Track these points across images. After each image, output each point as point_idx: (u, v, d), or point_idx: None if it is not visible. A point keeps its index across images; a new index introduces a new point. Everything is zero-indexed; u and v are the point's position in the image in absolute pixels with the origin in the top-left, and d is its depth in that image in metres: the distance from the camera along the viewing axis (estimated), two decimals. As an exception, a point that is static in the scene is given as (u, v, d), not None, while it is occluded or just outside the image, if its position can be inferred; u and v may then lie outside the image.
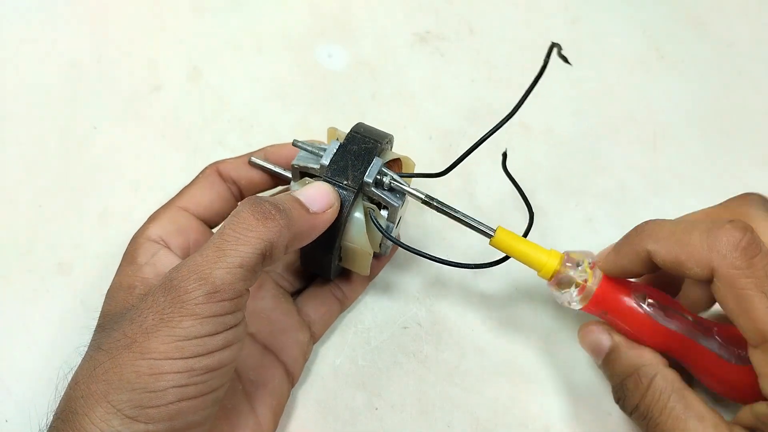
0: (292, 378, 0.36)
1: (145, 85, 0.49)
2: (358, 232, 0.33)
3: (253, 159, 0.36)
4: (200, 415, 0.26)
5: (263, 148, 0.37)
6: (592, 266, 0.33)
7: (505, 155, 0.34)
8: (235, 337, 0.27)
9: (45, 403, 0.28)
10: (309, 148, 0.34)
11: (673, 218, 0.34)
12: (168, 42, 0.52)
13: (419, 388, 0.38)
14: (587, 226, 0.44)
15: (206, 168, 0.37)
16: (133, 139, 0.47)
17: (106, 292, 0.32)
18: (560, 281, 0.33)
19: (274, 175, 0.37)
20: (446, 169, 0.33)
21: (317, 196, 0.31)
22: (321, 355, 0.39)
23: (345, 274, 0.39)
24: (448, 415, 0.37)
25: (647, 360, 0.32)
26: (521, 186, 0.34)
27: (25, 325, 0.39)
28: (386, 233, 0.34)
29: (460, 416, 0.37)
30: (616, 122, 0.50)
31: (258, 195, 0.29)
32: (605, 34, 0.54)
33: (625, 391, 0.32)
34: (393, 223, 0.35)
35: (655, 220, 0.32)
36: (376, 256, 0.38)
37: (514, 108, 0.30)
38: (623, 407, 0.32)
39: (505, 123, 0.30)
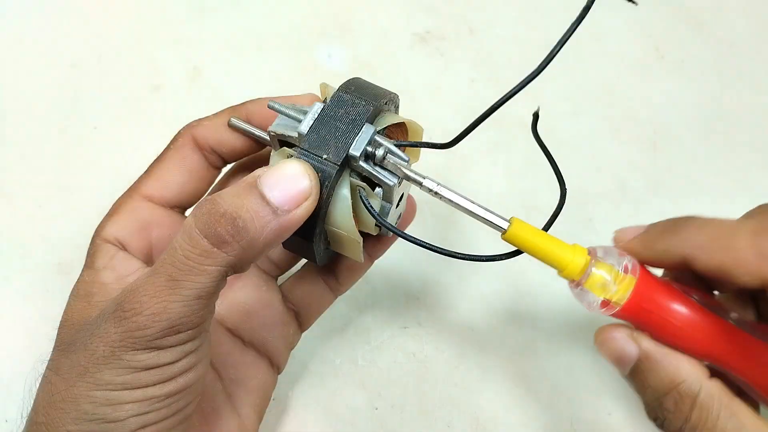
0: (278, 369, 0.34)
1: (145, 85, 0.49)
2: (343, 216, 0.27)
3: (233, 121, 0.31)
4: None
5: (244, 104, 0.32)
6: (625, 269, 0.28)
7: (536, 116, 0.28)
8: (197, 359, 0.25)
9: (21, 415, 0.28)
10: (288, 112, 0.28)
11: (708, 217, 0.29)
12: (168, 42, 0.52)
13: (419, 388, 0.38)
14: (587, 226, 0.44)
15: (180, 136, 0.31)
16: (133, 139, 0.47)
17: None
18: (587, 283, 0.27)
19: (257, 140, 0.31)
20: (454, 140, 0.28)
21: (286, 188, 0.25)
22: (321, 355, 0.39)
23: (341, 258, 0.34)
24: (448, 415, 0.37)
25: (687, 373, 0.26)
26: (553, 158, 0.29)
27: (25, 325, 0.39)
28: (379, 218, 0.28)
29: (460, 416, 0.37)
30: (616, 122, 0.49)
31: (216, 199, 0.24)
32: (605, 34, 0.54)
33: (664, 412, 0.27)
34: (390, 203, 0.29)
35: (692, 218, 0.27)
36: (377, 236, 0.33)
37: (541, 65, 0.26)
38: (661, 428, 0.27)
39: (528, 83, 0.26)
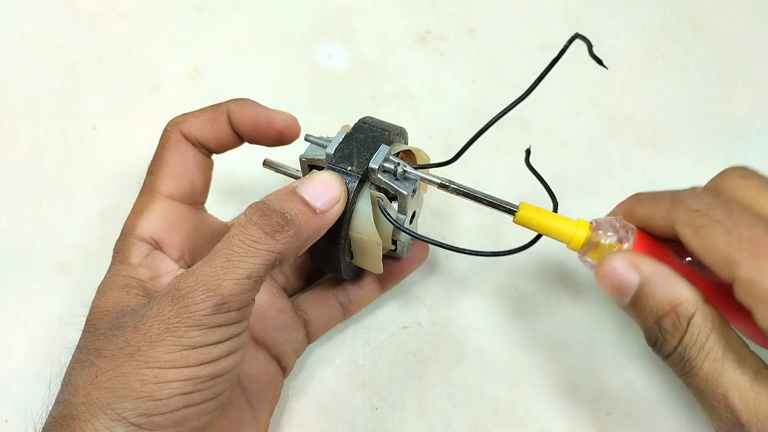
0: (284, 372, 0.36)
1: (145, 85, 0.49)
2: (364, 222, 0.32)
3: (268, 160, 0.36)
4: (204, 420, 0.26)
5: (227, 102, 0.34)
6: (624, 227, 0.31)
7: (528, 152, 0.33)
8: (239, 344, 0.27)
9: (43, 403, 0.28)
10: (317, 141, 0.34)
11: None
12: (168, 42, 0.52)
13: (419, 388, 0.38)
14: (587, 226, 0.44)
15: (169, 133, 0.34)
16: (133, 139, 0.47)
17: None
18: (592, 250, 0.31)
19: (290, 176, 0.36)
20: (454, 156, 0.33)
21: (322, 191, 0.29)
22: (321, 355, 0.39)
23: (356, 279, 0.38)
24: (448, 415, 0.37)
25: (685, 295, 0.27)
26: (546, 181, 0.33)
27: (25, 325, 0.39)
28: (395, 222, 0.33)
29: (460, 416, 0.37)
30: (616, 122, 0.49)
31: (265, 201, 0.28)
32: (605, 34, 0.54)
33: (663, 333, 0.28)
34: (404, 214, 0.34)
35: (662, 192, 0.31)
36: (392, 256, 0.37)
37: (527, 90, 0.30)
38: (659, 351, 0.29)
39: (515, 105, 0.30)
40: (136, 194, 0.45)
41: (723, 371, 0.26)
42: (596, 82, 0.51)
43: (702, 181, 0.48)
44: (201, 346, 0.25)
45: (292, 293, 0.39)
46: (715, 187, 0.29)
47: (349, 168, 0.31)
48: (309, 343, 0.38)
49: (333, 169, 0.31)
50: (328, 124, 0.48)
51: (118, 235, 0.33)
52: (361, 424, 0.37)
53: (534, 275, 0.42)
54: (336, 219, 0.30)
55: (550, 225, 0.31)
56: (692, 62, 0.53)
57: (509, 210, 0.32)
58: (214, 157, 0.36)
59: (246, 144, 0.36)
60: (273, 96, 0.50)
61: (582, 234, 0.31)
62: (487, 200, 0.32)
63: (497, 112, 0.30)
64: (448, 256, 0.42)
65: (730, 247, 0.26)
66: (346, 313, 0.38)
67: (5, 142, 0.46)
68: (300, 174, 0.35)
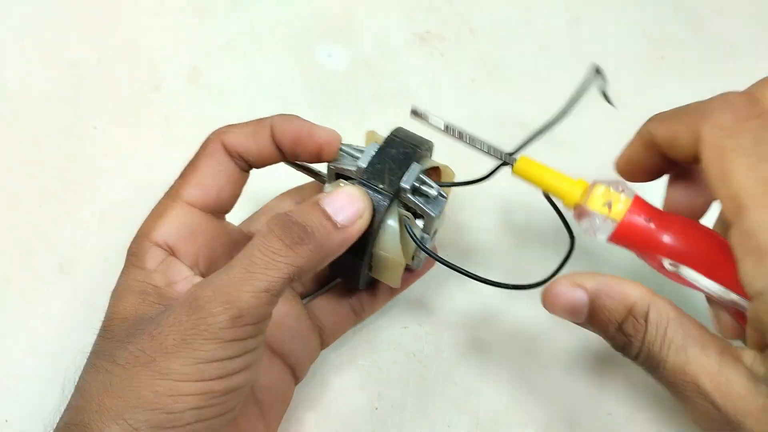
0: (297, 380, 0.36)
1: (145, 85, 0.49)
2: (391, 241, 0.32)
3: (293, 162, 0.35)
4: None
5: (272, 117, 0.34)
6: (621, 190, 0.30)
7: (548, 197, 0.33)
8: (253, 360, 0.27)
9: (45, 403, 0.28)
10: (348, 150, 0.33)
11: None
12: (168, 42, 0.52)
13: (419, 388, 0.38)
14: (587, 226, 0.44)
15: (210, 141, 0.33)
16: (133, 139, 0.47)
17: (107, 291, 0.31)
18: (585, 210, 0.30)
19: (312, 176, 0.36)
20: (488, 174, 0.33)
21: (345, 206, 0.29)
22: (321, 355, 0.39)
23: (370, 287, 0.38)
24: (448, 415, 0.37)
25: (635, 295, 0.27)
26: (563, 215, 0.33)
27: (26, 325, 0.39)
28: (421, 244, 0.32)
29: (460, 416, 0.37)
30: (615, 122, 0.49)
31: (288, 212, 0.28)
32: (605, 34, 0.54)
33: (627, 337, 0.27)
34: (428, 234, 0.34)
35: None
36: (407, 269, 0.37)
37: (551, 121, 0.32)
38: (628, 355, 0.28)
39: (540, 135, 0.32)
40: (136, 194, 0.45)
41: (688, 359, 0.25)
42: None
43: (702, 181, 0.48)
44: (217, 360, 0.25)
45: (305, 296, 0.38)
46: (754, 94, 0.27)
47: (381, 186, 0.31)
48: (322, 349, 0.37)
49: (364, 185, 0.31)
50: (328, 124, 0.48)
51: (118, 235, 0.33)
52: (361, 424, 0.37)
53: (534, 275, 0.42)
54: (359, 235, 0.30)
55: (546, 180, 0.31)
56: (692, 62, 0.53)
57: (508, 162, 0.32)
58: None
59: None
60: (273, 96, 0.50)
61: (577, 190, 0.31)
62: (485, 150, 0.32)
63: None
64: (448, 256, 0.42)
65: (745, 187, 0.24)
66: (358, 318, 0.38)
67: (5, 142, 0.46)
68: (324, 179, 0.34)
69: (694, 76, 0.52)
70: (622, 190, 0.30)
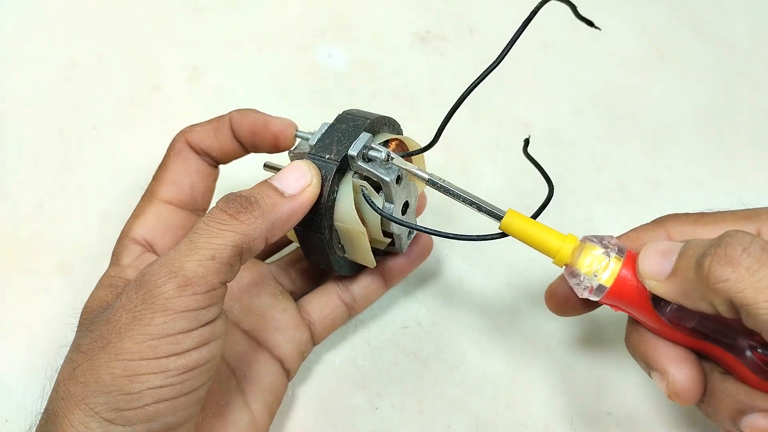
0: (289, 374, 0.35)
1: (145, 86, 0.49)
2: (346, 210, 0.31)
3: (269, 163, 0.36)
4: (180, 415, 0.26)
5: (230, 113, 0.35)
6: (615, 245, 0.29)
7: (527, 141, 0.33)
8: (211, 334, 0.26)
9: (45, 403, 0.28)
10: (303, 135, 0.34)
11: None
12: (168, 42, 0.52)
13: (419, 388, 0.38)
14: (587, 226, 0.44)
15: (175, 142, 0.35)
16: (133, 139, 0.47)
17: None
18: (575, 271, 0.29)
19: None
20: (431, 142, 0.31)
21: (291, 177, 0.29)
22: (321, 355, 0.39)
23: (358, 278, 0.38)
24: (448, 415, 0.37)
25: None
26: (544, 169, 0.32)
27: (25, 325, 0.39)
28: (380, 210, 0.32)
29: (460, 416, 0.37)
30: (616, 122, 0.49)
31: (230, 193, 0.29)
32: (605, 34, 0.54)
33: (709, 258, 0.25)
34: (392, 203, 0.33)
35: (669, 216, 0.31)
36: (391, 251, 0.37)
37: (499, 57, 0.30)
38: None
39: (488, 73, 0.31)
40: (136, 194, 0.45)
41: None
42: (596, 82, 0.51)
43: (701, 180, 0.48)
44: (169, 335, 0.25)
45: (299, 296, 0.38)
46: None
47: (327, 156, 0.31)
48: (315, 344, 0.37)
49: (312, 159, 0.31)
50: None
51: (118, 235, 0.33)
52: (361, 424, 0.37)
53: (535, 275, 0.42)
54: (310, 204, 0.30)
55: (536, 237, 0.29)
56: (692, 62, 0.53)
57: (496, 215, 0.30)
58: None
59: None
60: (273, 96, 0.50)
61: (567, 250, 0.29)
62: (473, 202, 0.30)
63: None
64: (448, 255, 0.42)
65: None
66: (351, 312, 0.38)
67: (5, 142, 0.46)
68: None
69: (694, 76, 0.52)
70: (613, 248, 0.29)
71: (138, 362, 0.24)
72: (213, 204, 0.36)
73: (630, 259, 0.29)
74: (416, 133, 0.48)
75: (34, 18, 0.52)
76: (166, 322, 0.25)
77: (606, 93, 0.51)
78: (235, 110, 0.35)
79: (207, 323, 0.26)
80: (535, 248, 0.30)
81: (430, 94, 0.50)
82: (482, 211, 0.30)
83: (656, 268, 0.27)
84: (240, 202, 0.28)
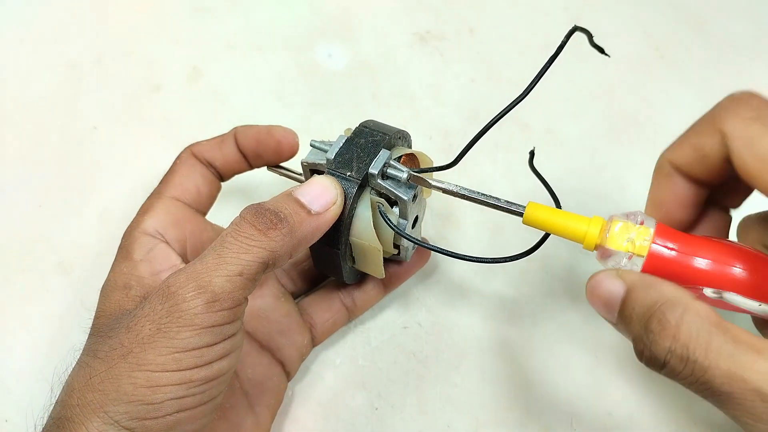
0: (288, 376, 0.36)
1: (145, 85, 0.49)
2: (364, 227, 0.32)
3: (269, 168, 0.37)
4: (198, 423, 0.26)
5: (234, 130, 0.36)
6: (641, 221, 0.28)
7: (532, 153, 0.33)
8: (232, 346, 0.27)
9: (45, 404, 0.28)
10: (320, 146, 0.34)
11: None
12: (168, 42, 0.52)
13: (419, 388, 0.38)
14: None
15: (182, 153, 0.36)
16: (133, 139, 0.47)
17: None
18: (607, 250, 0.28)
19: (293, 179, 0.36)
20: (454, 160, 0.32)
21: (318, 194, 0.30)
22: (321, 355, 0.39)
23: (360, 283, 0.38)
24: (448, 415, 0.37)
25: (670, 295, 0.25)
26: (549, 184, 0.33)
27: (25, 325, 0.39)
28: (396, 228, 0.32)
29: (460, 416, 0.37)
30: (616, 122, 0.49)
31: (261, 202, 0.29)
32: (605, 34, 0.54)
33: (650, 335, 0.24)
34: (406, 219, 0.34)
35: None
36: (395, 260, 0.37)
37: (527, 88, 0.29)
38: (650, 360, 0.25)
39: (516, 104, 0.29)
40: (136, 194, 0.45)
41: (746, 366, 0.23)
42: (596, 82, 0.51)
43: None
44: (194, 349, 0.25)
45: (298, 296, 0.39)
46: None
47: (349, 174, 0.31)
48: (314, 346, 0.38)
49: (332, 175, 0.31)
50: (328, 124, 0.48)
51: (118, 235, 0.33)
52: (361, 424, 0.37)
53: (535, 276, 0.42)
54: (333, 222, 0.30)
55: (561, 224, 0.29)
56: (692, 62, 0.53)
57: (516, 212, 0.31)
58: None
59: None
60: (273, 96, 0.50)
61: (595, 231, 0.28)
62: (492, 203, 0.31)
63: (497, 112, 0.30)
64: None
65: None
66: (351, 315, 0.38)
67: (5, 141, 0.46)
68: (303, 179, 0.35)
69: (694, 76, 0.52)
70: (642, 221, 0.28)
71: (161, 374, 0.25)
72: (217, 208, 0.37)
73: (662, 225, 0.28)
74: (416, 133, 0.48)
75: (34, 18, 0.52)
76: (191, 337, 0.25)
77: (606, 93, 0.51)
78: (238, 127, 0.36)
79: (230, 336, 0.26)
80: (561, 235, 0.29)
81: (430, 94, 0.50)
82: (502, 209, 0.31)
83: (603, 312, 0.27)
84: (269, 217, 0.27)
